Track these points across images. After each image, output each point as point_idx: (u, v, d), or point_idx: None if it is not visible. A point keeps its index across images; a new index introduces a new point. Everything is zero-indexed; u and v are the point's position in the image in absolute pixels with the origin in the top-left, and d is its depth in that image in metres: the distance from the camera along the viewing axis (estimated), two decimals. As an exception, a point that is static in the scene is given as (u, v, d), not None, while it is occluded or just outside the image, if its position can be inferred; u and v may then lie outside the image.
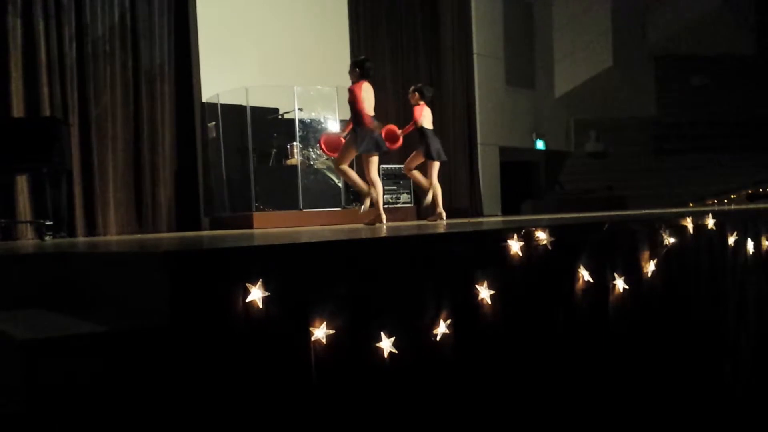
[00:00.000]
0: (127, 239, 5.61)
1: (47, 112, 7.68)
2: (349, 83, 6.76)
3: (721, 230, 4.58)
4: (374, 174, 6.76)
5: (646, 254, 3.86)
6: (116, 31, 8.45)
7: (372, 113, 6.65)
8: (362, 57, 7.05)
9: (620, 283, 3.63)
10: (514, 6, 14.30)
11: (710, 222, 4.44)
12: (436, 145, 7.36)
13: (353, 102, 6.58)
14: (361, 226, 6.67)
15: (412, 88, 7.58)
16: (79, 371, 2.12)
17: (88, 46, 8.16)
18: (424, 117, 7.37)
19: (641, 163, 15.71)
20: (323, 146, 7.60)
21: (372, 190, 6.71)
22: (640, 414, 3.78)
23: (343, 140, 6.89)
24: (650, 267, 3.86)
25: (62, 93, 7.91)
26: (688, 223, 4.24)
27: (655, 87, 16.26)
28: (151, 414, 2.19)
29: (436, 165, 7.47)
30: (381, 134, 6.78)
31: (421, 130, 7.35)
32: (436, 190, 7.52)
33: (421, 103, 7.39)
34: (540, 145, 15.37)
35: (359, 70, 6.65)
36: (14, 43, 7.59)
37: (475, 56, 12.89)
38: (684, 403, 4.10)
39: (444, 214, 7.55)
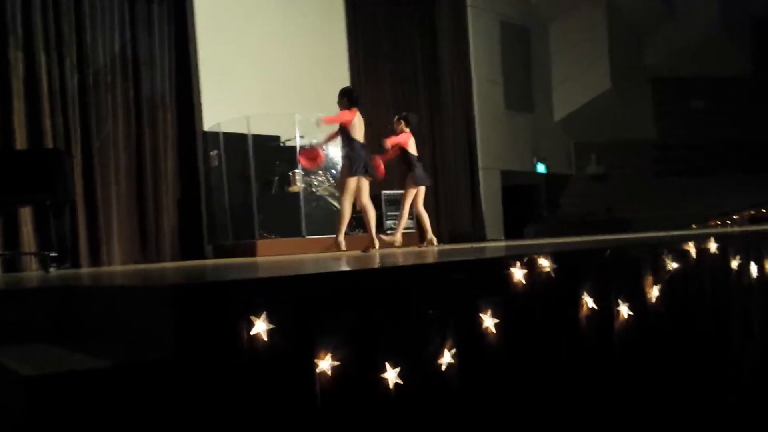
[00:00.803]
0: (132, 270, 5.61)
1: (50, 144, 7.70)
2: None
3: (724, 254, 4.58)
4: (366, 198, 6.83)
5: (650, 279, 3.86)
6: (117, 61, 8.51)
7: (362, 140, 6.74)
8: (348, 86, 7.29)
9: (624, 309, 3.62)
10: (511, 31, 14.40)
11: (713, 246, 4.44)
12: (420, 171, 7.40)
13: (344, 127, 6.70)
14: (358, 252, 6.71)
15: (396, 116, 7.60)
16: (82, 406, 2.11)
17: (89, 77, 8.21)
18: (410, 144, 7.38)
19: (642, 185, 15.73)
20: (302, 160, 7.62)
21: (366, 216, 6.81)
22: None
23: (321, 151, 7.16)
24: (654, 292, 3.85)
25: (64, 124, 7.94)
26: (691, 247, 4.23)
27: (653, 109, 16.31)
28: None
29: (422, 191, 7.49)
30: (371, 159, 6.85)
31: (408, 158, 7.35)
32: (423, 216, 7.54)
33: (407, 130, 7.40)
34: (541, 168, 15.38)
35: (347, 98, 6.78)
36: (16, 75, 7.64)
37: (474, 81, 12.97)
38: (690, 429, 4.07)
39: (435, 240, 7.55)
